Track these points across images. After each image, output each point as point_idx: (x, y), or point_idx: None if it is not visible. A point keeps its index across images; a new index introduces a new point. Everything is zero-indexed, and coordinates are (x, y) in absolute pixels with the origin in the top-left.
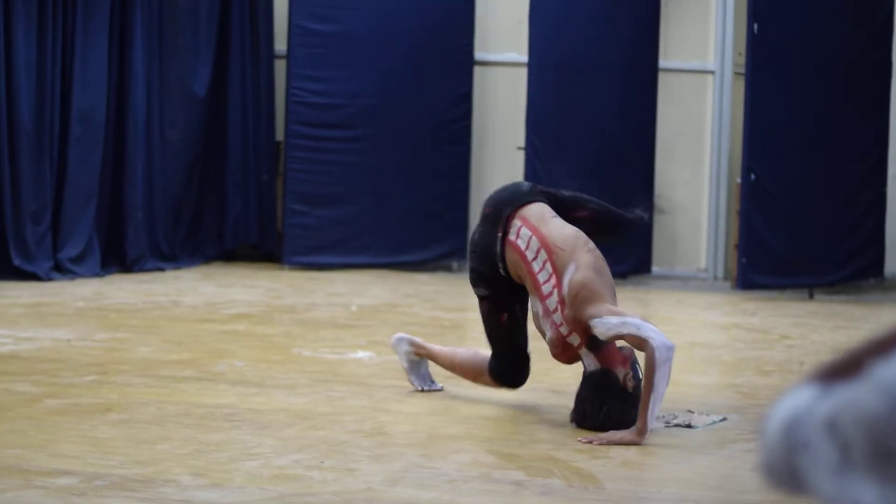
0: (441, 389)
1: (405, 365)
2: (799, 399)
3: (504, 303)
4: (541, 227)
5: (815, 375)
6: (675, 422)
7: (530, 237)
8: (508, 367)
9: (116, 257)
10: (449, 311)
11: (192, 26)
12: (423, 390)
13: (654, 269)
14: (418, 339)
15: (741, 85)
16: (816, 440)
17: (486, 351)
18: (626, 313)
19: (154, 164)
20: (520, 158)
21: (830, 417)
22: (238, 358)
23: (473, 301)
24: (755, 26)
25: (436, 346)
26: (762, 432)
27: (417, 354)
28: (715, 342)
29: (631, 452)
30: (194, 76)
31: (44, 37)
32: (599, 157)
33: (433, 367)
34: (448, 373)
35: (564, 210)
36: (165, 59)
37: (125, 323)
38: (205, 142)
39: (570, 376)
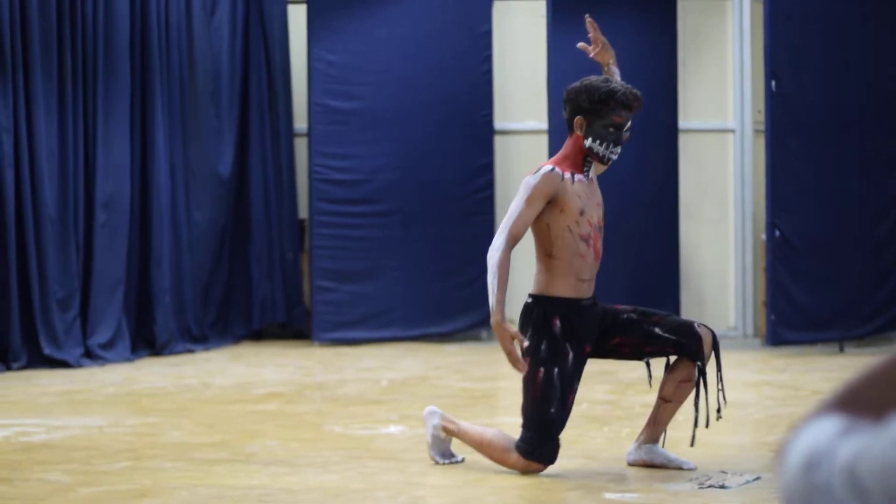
0: (462, 461)
1: (429, 439)
2: (820, 433)
3: (542, 359)
4: None
5: (838, 404)
6: (709, 483)
7: None
8: (536, 437)
9: (146, 341)
10: (479, 381)
11: (214, 108)
12: (442, 464)
13: None
14: (449, 416)
15: (762, 142)
16: (836, 485)
17: (515, 434)
18: (516, 209)
19: (181, 246)
20: None
21: (850, 464)
22: (270, 438)
23: (503, 371)
24: (773, 83)
25: (465, 424)
26: (781, 463)
27: (445, 431)
28: (746, 401)
29: None
30: (218, 157)
31: (65, 123)
32: (622, 220)
33: (456, 441)
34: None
35: None
36: (188, 141)
37: (156, 407)
38: (230, 222)
39: (602, 442)
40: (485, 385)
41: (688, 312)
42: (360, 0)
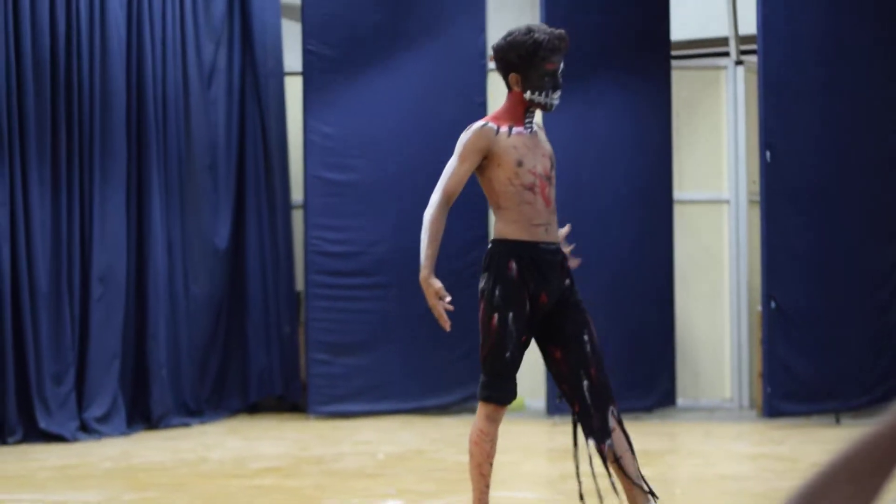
0: None
1: None
2: None
3: (497, 304)
4: None
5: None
6: None
7: None
8: (494, 380)
9: (142, 415)
10: None
11: (211, 181)
12: None
13: (680, 401)
14: None
15: (757, 213)
16: None
17: None
18: (450, 166)
19: (178, 319)
20: None
21: None
22: None
23: (502, 443)
24: (767, 154)
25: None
26: None
27: None
28: (744, 473)
29: None
30: (215, 230)
31: (59, 198)
32: (617, 290)
33: None
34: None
35: None
36: (185, 214)
37: (154, 482)
38: (227, 295)
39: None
40: None
41: (683, 383)
42: (356, 72)
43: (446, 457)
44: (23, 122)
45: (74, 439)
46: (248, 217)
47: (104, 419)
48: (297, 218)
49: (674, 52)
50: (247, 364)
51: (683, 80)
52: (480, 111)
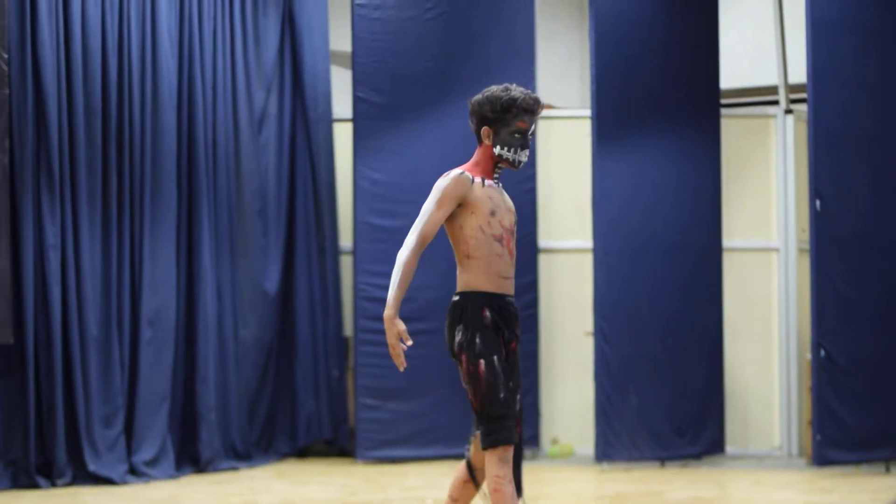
0: None
1: None
2: None
3: (480, 351)
4: None
5: None
6: None
7: None
8: (495, 424)
9: (190, 458)
10: (525, 500)
11: (261, 225)
12: None
13: (729, 448)
14: None
15: (806, 261)
16: None
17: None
18: (426, 211)
19: (227, 363)
20: (589, 344)
21: None
22: None
23: (549, 490)
24: (817, 203)
25: None
26: None
27: None
28: None
29: None
30: (265, 274)
31: (109, 241)
32: (667, 339)
33: None
34: None
35: None
36: (235, 258)
37: None
38: (276, 339)
39: None
40: None
41: (732, 432)
42: (405, 119)
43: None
44: (74, 166)
45: (123, 482)
46: (297, 262)
47: (153, 462)
48: (346, 263)
49: (723, 101)
50: (295, 408)
51: (733, 129)
52: (528, 159)
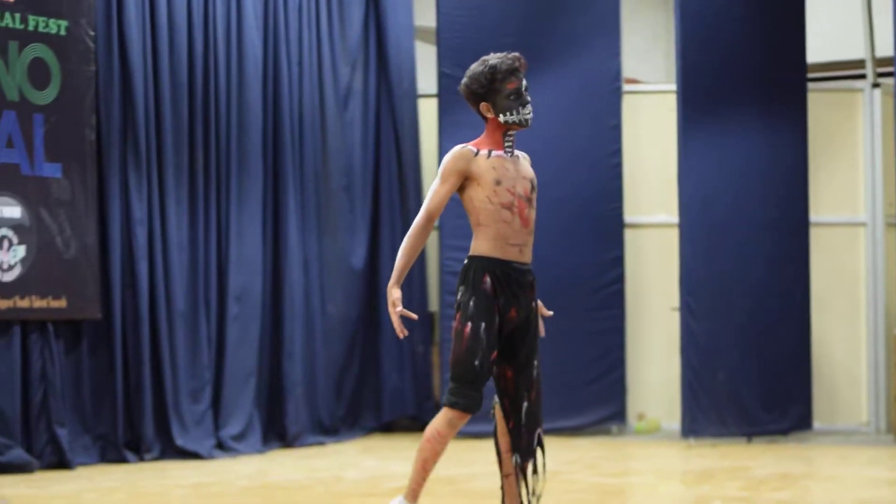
0: None
1: None
2: None
3: (471, 314)
4: None
5: None
6: None
7: None
8: (461, 387)
9: (277, 433)
10: (611, 476)
11: (347, 201)
12: None
13: (816, 424)
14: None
15: (893, 235)
16: None
17: None
18: (433, 187)
19: (314, 338)
20: (675, 319)
21: None
22: None
23: (637, 465)
24: None
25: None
26: None
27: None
28: (880, 499)
29: None
30: (351, 250)
31: (196, 217)
32: (754, 314)
33: None
34: None
35: None
36: (322, 234)
37: (290, 500)
38: (362, 315)
39: None
40: (617, 480)
41: (820, 408)
42: None
43: (581, 478)
44: (160, 142)
45: (210, 457)
46: (382, 237)
47: (240, 437)
48: (432, 239)
49: (810, 75)
50: (381, 383)
51: (819, 103)
52: (614, 134)
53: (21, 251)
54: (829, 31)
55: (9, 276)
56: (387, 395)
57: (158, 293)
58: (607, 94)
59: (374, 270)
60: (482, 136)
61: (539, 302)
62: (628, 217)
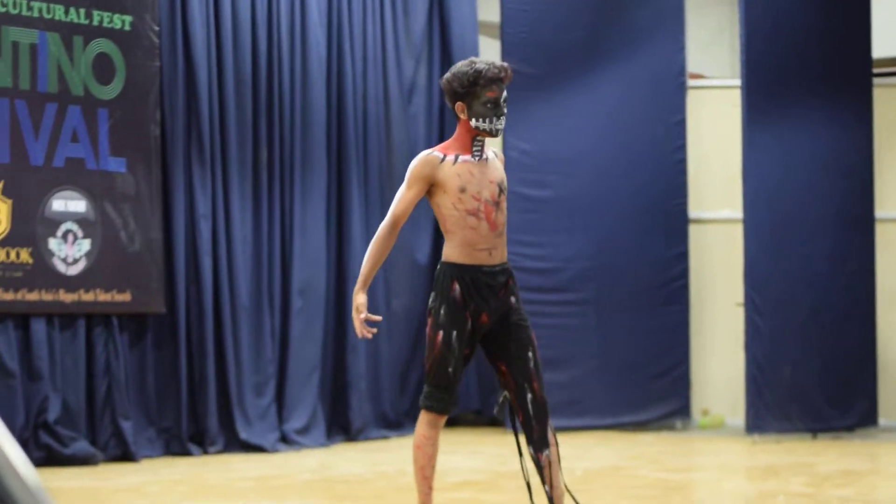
0: None
1: None
2: None
3: (442, 323)
4: None
5: None
6: None
7: None
8: (435, 390)
9: (341, 427)
10: (674, 472)
11: None
12: None
13: (882, 421)
14: None
15: None
16: None
17: None
18: (399, 191)
19: (378, 333)
20: (740, 315)
21: None
22: None
23: (701, 461)
24: None
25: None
26: None
27: None
28: None
29: None
30: (416, 245)
31: (260, 211)
32: (819, 310)
33: None
34: None
35: None
36: None
37: (352, 494)
38: (426, 309)
39: None
40: (680, 476)
41: (885, 403)
42: (554, 89)
43: (645, 474)
44: (224, 137)
45: (274, 450)
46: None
47: (304, 431)
48: None
49: (875, 70)
50: None
51: (885, 98)
52: (678, 129)
53: (86, 245)
54: (894, 26)
55: (74, 270)
56: None
57: (222, 287)
58: (672, 90)
59: (435, 266)
60: (452, 137)
61: None
62: (693, 212)
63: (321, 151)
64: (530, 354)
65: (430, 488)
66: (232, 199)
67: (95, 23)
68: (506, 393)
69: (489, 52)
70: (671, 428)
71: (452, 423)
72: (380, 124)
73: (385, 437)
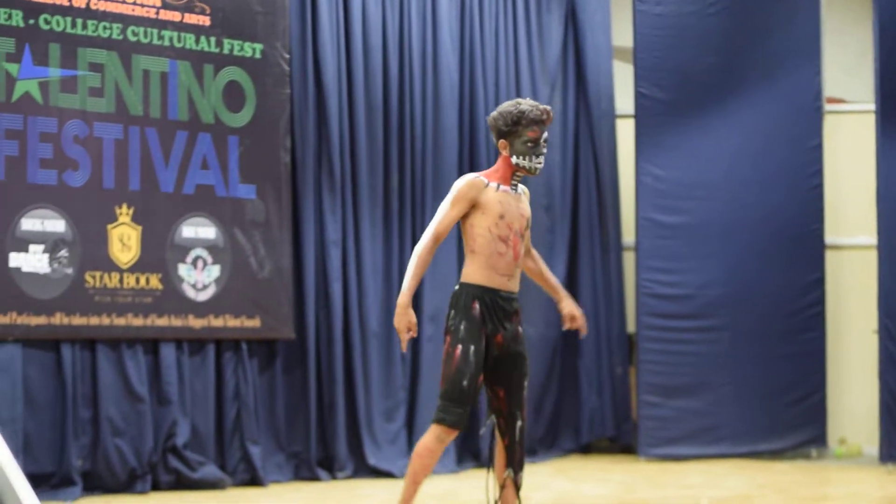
0: None
1: None
2: None
3: (462, 338)
4: None
5: None
6: None
7: None
8: (449, 404)
9: (471, 453)
10: (802, 500)
11: (548, 221)
12: None
13: None
14: None
15: None
16: None
17: None
18: (442, 209)
19: None
20: (875, 343)
21: None
22: None
23: (828, 490)
24: None
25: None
26: None
27: None
28: None
29: None
30: (551, 269)
31: (390, 238)
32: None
33: None
34: None
35: None
36: None
37: None
38: (561, 335)
39: None
40: None
41: None
42: (687, 114)
43: (770, 503)
44: (355, 163)
45: (403, 476)
46: (581, 258)
47: None
48: (629, 259)
49: None
50: (579, 405)
51: None
52: (814, 154)
53: (215, 271)
54: None
55: (203, 296)
56: (585, 417)
57: (352, 314)
58: (808, 114)
59: (573, 291)
60: (493, 168)
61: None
62: (829, 238)
63: (452, 177)
64: (525, 384)
65: (415, 493)
66: (362, 226)
67: (226, 51)
68: (493, 417)
69: (623, 77)
70: (807, 457)
71: (586, 451)
72: None
73: None
